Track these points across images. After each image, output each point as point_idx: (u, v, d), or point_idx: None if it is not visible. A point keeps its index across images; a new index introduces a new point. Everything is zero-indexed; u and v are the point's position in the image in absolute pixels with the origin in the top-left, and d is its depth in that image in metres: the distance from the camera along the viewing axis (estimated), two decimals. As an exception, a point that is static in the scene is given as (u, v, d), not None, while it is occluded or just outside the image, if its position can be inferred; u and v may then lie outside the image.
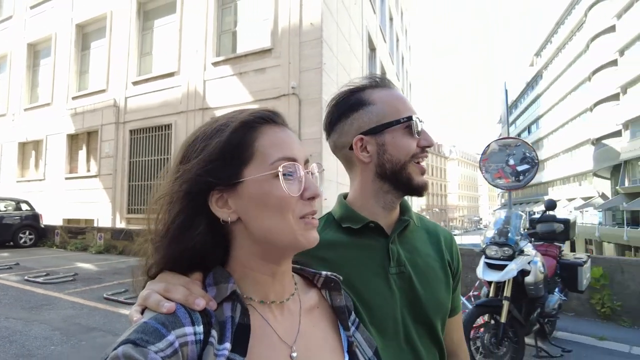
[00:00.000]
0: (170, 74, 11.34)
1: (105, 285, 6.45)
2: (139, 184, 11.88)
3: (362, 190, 0.89)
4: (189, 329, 0.50)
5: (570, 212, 37.03)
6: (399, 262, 0.86)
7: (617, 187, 31.13)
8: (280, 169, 0.58)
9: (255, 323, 0.58)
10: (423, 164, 0.86)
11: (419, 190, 0.85)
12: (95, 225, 12.10)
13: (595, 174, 35.19)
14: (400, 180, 0.85)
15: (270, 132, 0.61)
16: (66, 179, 13.54)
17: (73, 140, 13.81)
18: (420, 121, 0.85)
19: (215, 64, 10.52)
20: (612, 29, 31.41)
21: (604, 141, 32.84)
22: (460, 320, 1.01)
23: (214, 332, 0.52)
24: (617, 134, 31.13)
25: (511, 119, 65.86)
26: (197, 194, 0.58)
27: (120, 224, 11.97)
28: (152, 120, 11.59)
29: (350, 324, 0.69)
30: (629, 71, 28.73)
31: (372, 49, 15.40)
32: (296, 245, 0.60)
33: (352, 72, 11.57)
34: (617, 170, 31.61)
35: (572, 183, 41.98)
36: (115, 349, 0.44)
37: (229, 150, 0.58)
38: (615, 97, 31.24)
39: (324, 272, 0.70)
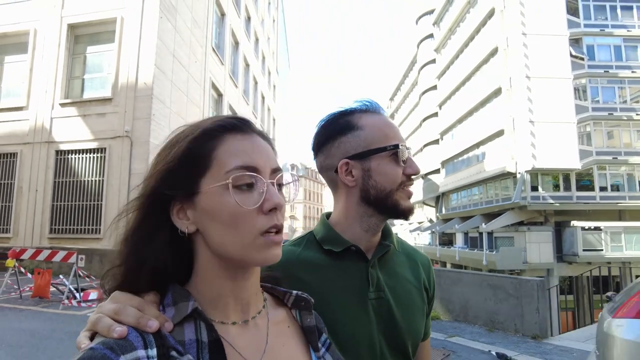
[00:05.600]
0: (19, 108, 12.71)
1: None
2: (-20, 205, 12.77)
3: (346, 212, 0.89)
4: (141, 352, 0.48)
5: (411, 232, 44.16)
6: (379, 287, 0.85)
7: (437, 214, 38.51)
8: (229, 179, 0.55)
9: None
10: (410, 188, 0.87)
11: (405, 214, 0.86)
12: None
13: (424, 203, 42.68)
14: (386, 205, 0.85)
15: (231, 141, 0.59)
16: None
17: None
18: (407, 149, 0.86)
19: (62, 104, 12.29)
20: (435, 87, 39.31)
21: (429, 176, 40.32)
22: (428, 345, 1.01)
23: (186, 357, 0.51)
24: (438, 171, 38.63)
25: (374, 152, 74.37)
26: (158, 205, 0.57)
27: (-43, 243, 12.64)
28: (-2, 147, 12.74)
29: (320, 344, 0.68)
30: (444, 122, 36.39)
31: (219, 94, 18.31)
32: (252, 262, 0.59)
33: (189, 118, 14.25)
34: (438, 200, 39.05)
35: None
36: None
37: (186, 160, 0.57)
38: (436, 141, 38.87)
39: (294, 292, 0.69)
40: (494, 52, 27.21)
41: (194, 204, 0.57)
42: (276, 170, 0.60)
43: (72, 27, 12.67)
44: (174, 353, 0.51)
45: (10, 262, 6.76)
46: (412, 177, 0.86)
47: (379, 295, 0.84)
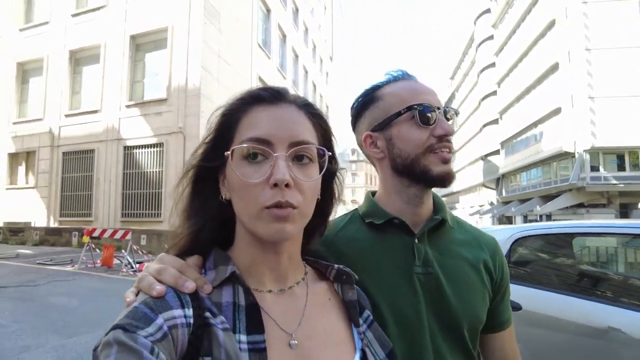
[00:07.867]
0: (95, 111, 14.92)
1: (38, 259, 10.13)
2: (69, 194, 15.26)
3: (385, 186, 0.88)
4: (177, 312, 0.51)
5: (471, 215, 43.27)
6: (426, 261, 0.81)
7: (497, 197, 37.44)
8: (228, 152, 0.57)
9: None
10: (445, 152, 0.80)
11: (439, 181, 0.80)
12: (32, 225, 15.39)
13: (484, 185, 41.53)
14: (415, 173, 0.81)
15: (254, 112, 0.59)
16: (7, 189, 16.67)
17: (13, 158, 16.94)
18: (435, 109, 0.80)
19: (128, 106, 14.26)
20: (493, 65, 37.77)
21: (489, 158, 39.13)
22: (512, 335, 0.92)
23: (219, 318, 0.53)
24: (498, 152, 37.39)
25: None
26: (207, 176, 0.61)
27: (54, 225, 15.30)
28: (80, 145, 15.07)
29: (362, 320, 0.66)
30: (504, 100, 35.00)
31: (266, 87, 19.59)
32: (258, 235, 0.57)
33: (236, 111, 15.70)
34: (499, 182, 37.90)
35: (473, 192, 48.54)
36: (107, 334, 0.46)
37: (217, 133, 0.61)
38: (496, 121, 37.54)
39: (336, 265, 0.68)
40: (551, 24, 25.80)
41: (225, 174, 0.61)
42: (297, 144, 0.57)
43: (133, 38, 14.54)
44: (207, 314, 0.53)
45: (85, 239, 8.71)
46: (445, 138, 0.80)
47: (427, 271, 0.80)
